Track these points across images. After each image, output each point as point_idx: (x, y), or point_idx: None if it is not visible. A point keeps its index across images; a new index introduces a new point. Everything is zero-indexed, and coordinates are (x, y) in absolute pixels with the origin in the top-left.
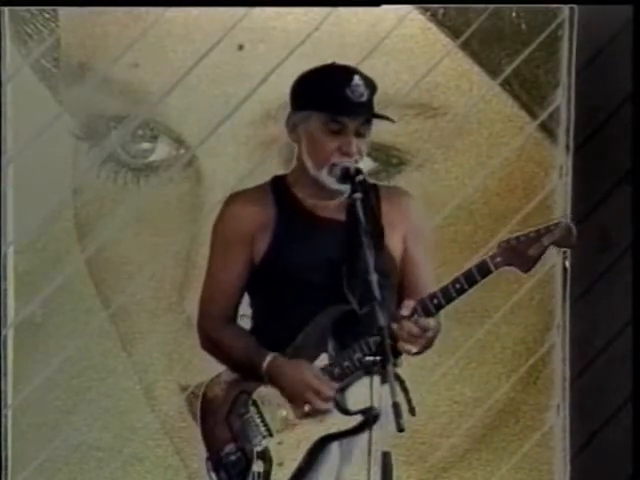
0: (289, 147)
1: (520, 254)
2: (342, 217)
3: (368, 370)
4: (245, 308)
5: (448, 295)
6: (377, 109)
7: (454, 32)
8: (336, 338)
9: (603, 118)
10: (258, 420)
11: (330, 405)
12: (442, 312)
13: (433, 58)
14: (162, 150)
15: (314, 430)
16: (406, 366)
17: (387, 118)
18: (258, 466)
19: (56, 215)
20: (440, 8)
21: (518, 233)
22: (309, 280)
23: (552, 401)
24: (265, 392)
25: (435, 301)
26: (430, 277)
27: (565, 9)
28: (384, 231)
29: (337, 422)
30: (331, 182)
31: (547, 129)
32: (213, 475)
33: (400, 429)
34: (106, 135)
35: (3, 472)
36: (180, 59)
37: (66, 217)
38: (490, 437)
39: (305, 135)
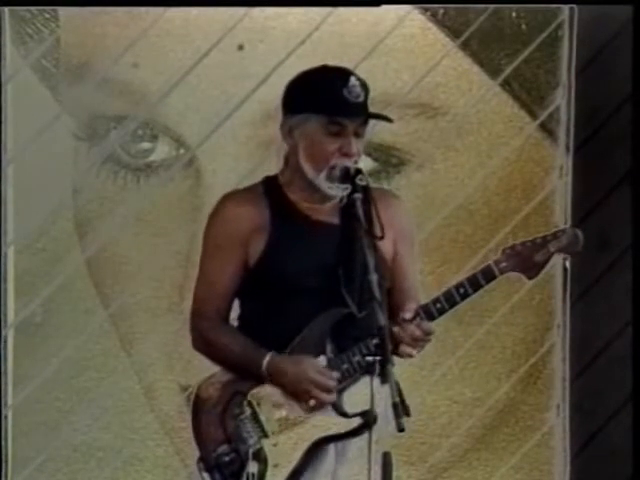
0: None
1: (526, 260)
2: (335, 220)
3: (367, 371)
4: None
5: (452, 300)
6: (377, 109)
7: (454, 32)
8: (334, 341)
9: (603, 118)
10: (253, 421)
11: (334, 396)
12: None
13: (433, 58)
14: (162, 150)
15: (310, 432)
16: (406, 366)
17: (385, 118)
18: (252, 467)
19: (56, 215)
20: (440, 8)
21: (524, 239)
22: (305, 283)
23: (552, 401)
24: (261, 392)
25: (438, 305)
26: (416, 282)
27: (565, 9)
28: (384, 232)
29: (334, 424)
30: (328, 186)
31: (547, 129)
32: (206, 476)
33: (400, 429)
34: (106, 135)
35: (3, 472)
36: (180, 59)
37: (66, 217)
38: (490, 437)
39: (303, 138)
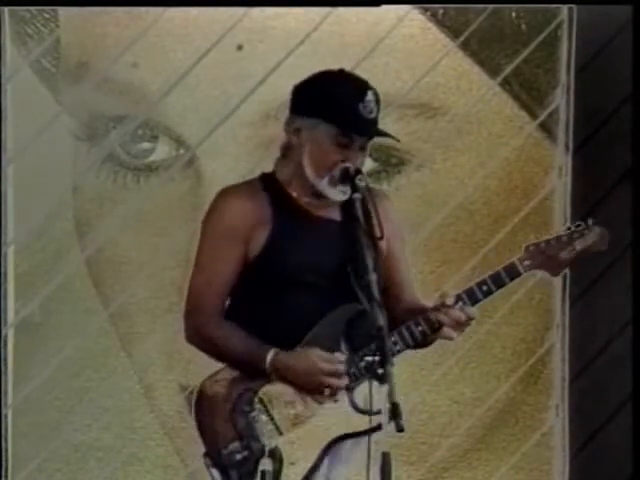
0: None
1: (551, 258)
2: (336, 216)
3: (368, 370)
4: None
5: (474, 297)
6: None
7: (454, 32)
8: (348, 338)
9: (603, 118)
10: (266, 418)
11: (346, 380)
12: None
13: (433, 58)
14: (162, 150)
15: (326, 430)
16: (406, 366)
17: (393, 137)
18: (267, 465)
19: (56, 215)
20: (440, 8)
21: (548, 237)
22: (309, 278)
23: (552, 401)
24: (272, 390)
25: (460, 303)
26: (410, 279)
27: (564, 9)
28: (384, 232)
29: (350, 421)
30: (330, 191)
31: (547, 129)
32: (215, 472)
33: (399, 429)
34: (106, 135)
35: (3, 472)
36: (180, 59)
37: (66, 217)
38: (490, 437)
39: (310, 142)
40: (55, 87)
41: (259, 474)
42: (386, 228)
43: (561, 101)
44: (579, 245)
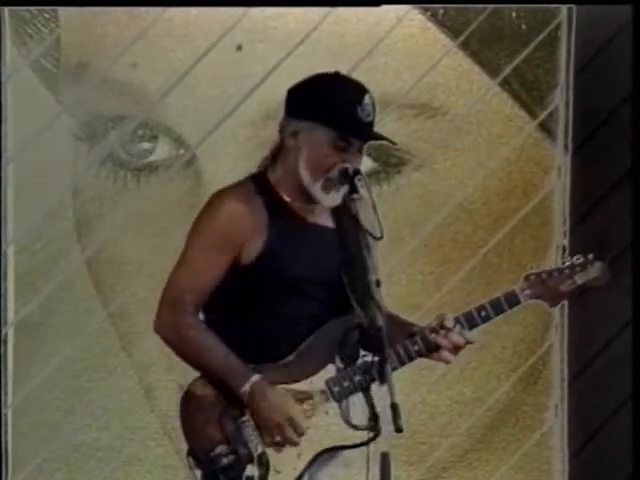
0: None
1: (551, 289)
2: (329, 223)
3: (366, 372)
4: None
5: (472, 321)
6: (377, 109)
7: (454, 32)
8: (343, 350)
9: (603, 118)
10: (254, 425)
11: (300, 440)
12: None
13: (433, 58)
14: (162, 150)
15: (315, 440)
16: (406, 366)
17: (390, 141)
18: (253, 471)
19: (56, 215)
20: (440, 8)
21: (550, 267)
22: (305, 287)
23: (552, 401)
24: None
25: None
26: None
27: (564, 9)
28: (383, 232)
29: (340, 433)
30: (323, 197)
31: (547, 129)
32: (198, 473)
33: (398, 430)
34: (106, 135)
35: (3, 472)
36: (180, 59)
37: (66, 217)
38: (490, 437)
39: (307, 145)
40: (55, 87)
41: (244, 479)
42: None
43: (560, 101)
44: (579, 279)
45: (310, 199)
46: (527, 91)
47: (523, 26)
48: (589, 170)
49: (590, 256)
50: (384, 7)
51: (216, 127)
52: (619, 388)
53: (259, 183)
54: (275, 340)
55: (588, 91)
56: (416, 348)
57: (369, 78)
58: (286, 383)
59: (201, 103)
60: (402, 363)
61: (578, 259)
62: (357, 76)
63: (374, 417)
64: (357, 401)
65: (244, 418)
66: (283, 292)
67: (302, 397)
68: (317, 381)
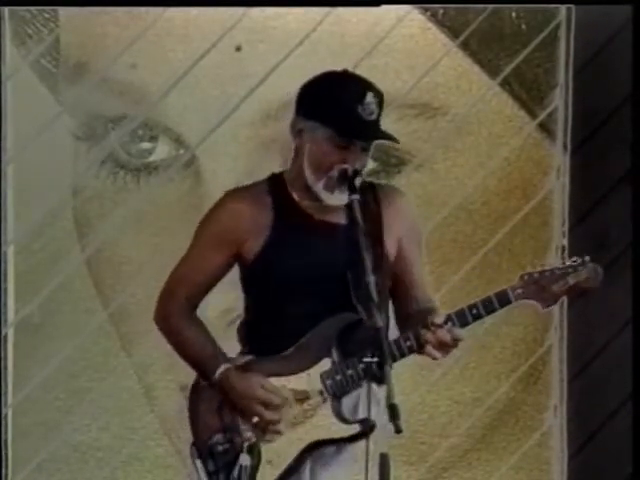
0: (289, 147)
1: (543, 289)
2: (339, 220)
3: (366, 373)
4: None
5: (464, 319)
6: None
7: (454, 32)
8: (340, 345)
9: (603, 118)
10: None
11: (278, 415)
12: None
13: (433, 58)
14: (162, 150)
15: (308, 432)
16: (406, 366)
17: (394, 139)
18: (245, 460)
19: (56, 215)
20: (440, 8)
21: (543, 268)
22: (308, 283)
23: (551, 401)
24: None
25: (449, 324)
26: (423, 278)
27: (563, 9)
28: (383, 233)
29: (333, 426)
30: (326, 196)
31: (546, 129)
32: (198, 462)
33: (397, 431)
34: (106, 135)
35: (3, 472)
36: (180, 59)
37: (66, 217)
38: (490, 437)
39: (311, 143)
40: (55, 87)
41: (237, 468)
42: (398, 227)
43: (560, 101)
44: (572, 280)
45: (318, 198)
46: (527, 91)
47: (523, 26)
48: (589, 170)
49: (586, 258)
50: (384, 7)
51: (216, 127)
52: (619, 388)
53: (273, 183)
54: (278, 334)
55: (588, 91)
56: (408, 344)
57: (369, 78)
58: (284, 375)
59: (201, 103)
60: (394, 359)
61: (573, 261)
62: None
63: (368, 412)
64: (351, 396)
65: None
66: (283, 288)
67: (301, 397)
68: (313, 374)
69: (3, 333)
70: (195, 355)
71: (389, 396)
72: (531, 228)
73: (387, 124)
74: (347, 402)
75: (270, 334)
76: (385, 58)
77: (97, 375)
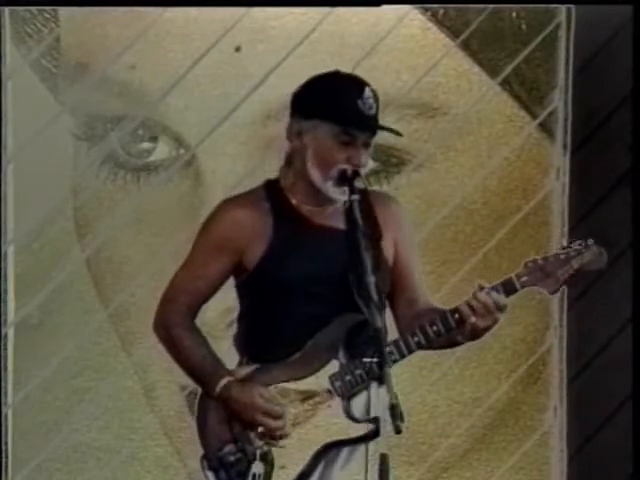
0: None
1: (548, 275)
2: (337, 224)
3: (367, 373)
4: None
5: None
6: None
7: (454, 32)
8: (347, 346)
9: (603, 118)
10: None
11: (282, 422)
12: None
13: (433, 58)
14: (162, 150)
15: (319, 435)
16: (406, 366)
17: (395, 131)
18: (258, 468)
19: (56, 215)
20: (440, 8)
21: (546, 254)
22: (310, 287)
23: (551, 401)
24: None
25: (456, 316)
26: (422, 283)
27: (563, 9)
28: (382, 233)
29: (344, 428)
30: (334, 192)
31: (547, 129)
32: (210, 474)
33: (397, 431)
34: (106, 135)
35: (3, 472)
36: (180, 59)
37: (66, 217)
38: (490, 437)
39: (313, 143)
40: (55, 87)
41: (250, 476)
42: (392, 230)
43: (559, 101)
44: (576, 263)
45: (320, 201)
46: (527, 91)
47: (523, 26)
48: (589, 170)
49: (589, 241)
50: (384, 7)
51: (216, 127)
52: (619, 388)
53: (270, 189)
54: (282, 340)
55: (588, 91)
56: (416, 340)
57: (369, 78)
58: (292, 380)
59: (201, 103)
60: (402, 356)
61: (576, 244)
62: None
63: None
64: (360, 395)
65: None
66: (286, 293)
67: (304, 397)
68: (322, 377)
69: (3, 333)
70: (196, 368)
71: (389, 397)
72: (531, 228)
73: (387, 124)
74: (357, 402)
75: (274, 340)
76: (385, 58)
77: (97, 375)
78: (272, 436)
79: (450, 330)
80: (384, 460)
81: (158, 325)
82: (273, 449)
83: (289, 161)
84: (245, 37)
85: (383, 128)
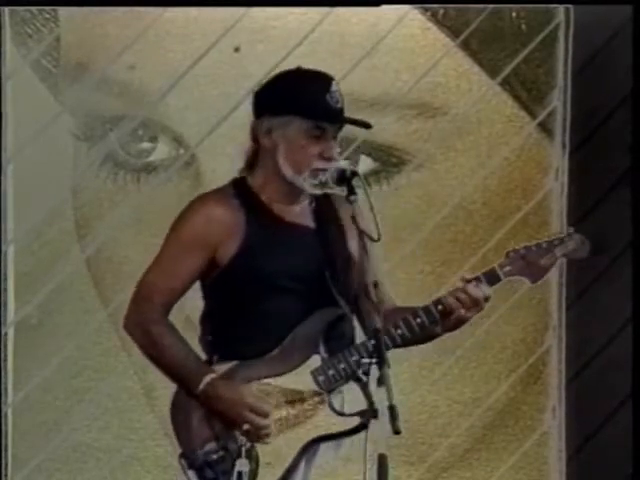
0: None
1: (530, 264)
2: (308, 222)
3: (364, 372)
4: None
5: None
6: (377, 109)
7: (454, 32)
8: (327, 341)
9: (602, 118)
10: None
11: (268, 421)
12: None
13: (433, 58)
14: (162, 150)
15: (305, 431)
16: (406, 366)
17: (362, 123)
18: (244, 465)
19: (56, 215)
20: (440, 8)
21: (528, 243)
22: (284, 283)
23: (551, 401)
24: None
25: (440, 307)
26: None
27: (563, 9)
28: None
29: (331, 424)
30: (310, 187)
31: (546, 129)
32: (191, 474)
33: (396, 432)
34: (105, 135)
35: (3, 472)
36: (179, 59)
37: (66, 217)
38: (490, 437)
39: (283, 140)
40: (55, 87)
41: (235, 474)
42: (354, 232)
43: (559, 101)
44: (559, 252)
45: (291, 198)
46: (527, 91)
47: (523, 26)
48: (588, 170)
49: (570, 229)
50: (384, 7)
51: (216, 127)
52: (619, 388)
53: (238, 187)
54: (259, 336)
55: (587, 91)
56: (399, 332)
57: (369, 78)
58: (272, 377)
59: (201, 103)
60: (387, 348)
61: (559, 234)
62: (357, 76)
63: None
64: (345, 390)
65: None
66: (262, 289)
67: (294, 399)
68: (302, 372)
69: (3, 333)
70: (178, 365)
71: (388, 397)
72: (531, 228)
73: (387, 124)
74: (342, 396)
75: (249, 337)
76: (385, 58)
77: (97, 375)
78: (258, 434)
79: (434, 322)
80: (382, 460)
81: (133, 324)
82: (258, 446)
83: (252, 161)
84: (245, 37)
85: (350, 121)
